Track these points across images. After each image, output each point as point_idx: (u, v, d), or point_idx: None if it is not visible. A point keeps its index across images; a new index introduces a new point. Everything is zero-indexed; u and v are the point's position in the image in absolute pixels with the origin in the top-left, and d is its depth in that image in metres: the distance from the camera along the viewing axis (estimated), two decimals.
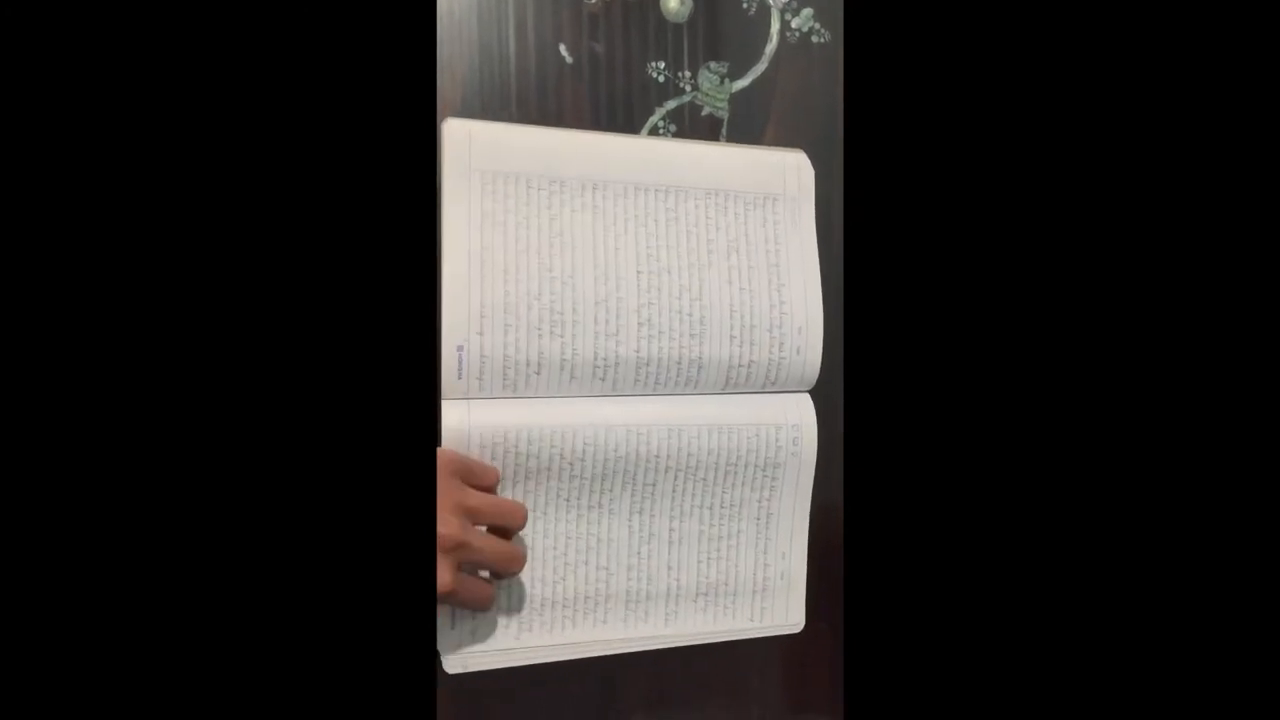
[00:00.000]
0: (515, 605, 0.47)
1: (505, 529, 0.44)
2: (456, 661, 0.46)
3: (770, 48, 0.52)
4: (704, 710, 0.53)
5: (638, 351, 0.48)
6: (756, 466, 0.51)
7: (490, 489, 0.44)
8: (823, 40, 0.53)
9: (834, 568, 0.54)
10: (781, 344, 0.50)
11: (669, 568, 0.50)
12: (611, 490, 0.48)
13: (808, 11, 0.53)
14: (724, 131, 0.52)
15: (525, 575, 0.47)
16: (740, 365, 0.50)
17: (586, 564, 0.49)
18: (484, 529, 0.43)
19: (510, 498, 0.46)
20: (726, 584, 0.51)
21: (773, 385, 0.51)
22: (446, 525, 0.39)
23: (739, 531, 0.51)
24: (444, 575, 0.39)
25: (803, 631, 0.53)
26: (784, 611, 0.53)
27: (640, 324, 0.48)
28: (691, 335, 0.48)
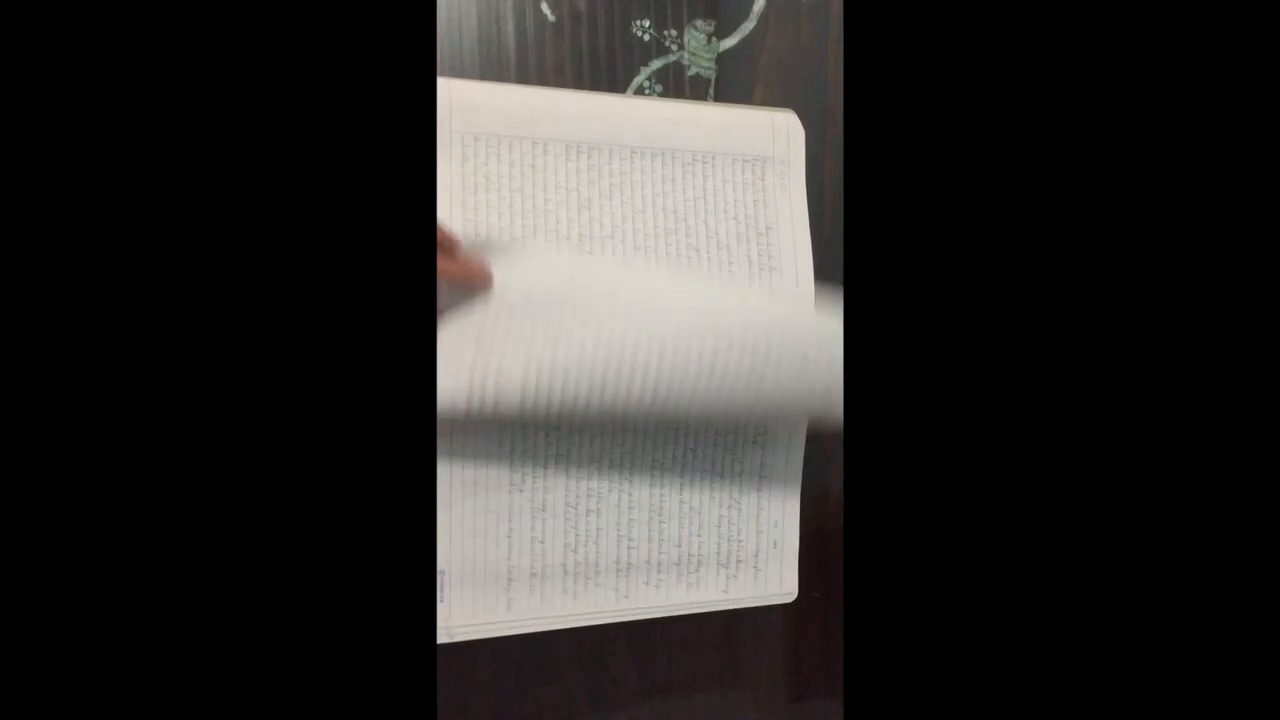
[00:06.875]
0: (503, 576, 0.47)
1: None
2: (443, 631, 0.45)
3: (758, 6, 0.51)
4: (693, 678, 0.52)
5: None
6: (746, 433, 0.50)
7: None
8: None
9: (824, 536, 0.53)
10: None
11: (659, 538, 0.49)
12: (599, 459, 0.47)
13: None
14: (711, 92, 0.51)
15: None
16: None
17: (575, 533, 0.48)
18: None
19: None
20: (718, 553, 0.51)
21: None
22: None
23: (730, 500, 0.50)
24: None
25: (795, 602, 0.52)
26: (777, 581, 0.52)
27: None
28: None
